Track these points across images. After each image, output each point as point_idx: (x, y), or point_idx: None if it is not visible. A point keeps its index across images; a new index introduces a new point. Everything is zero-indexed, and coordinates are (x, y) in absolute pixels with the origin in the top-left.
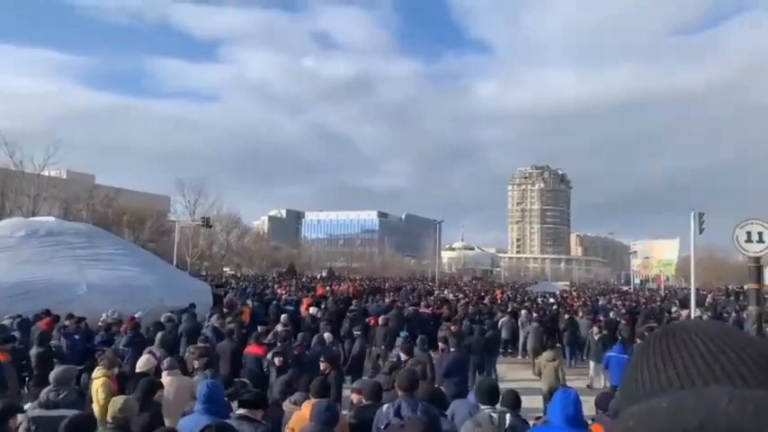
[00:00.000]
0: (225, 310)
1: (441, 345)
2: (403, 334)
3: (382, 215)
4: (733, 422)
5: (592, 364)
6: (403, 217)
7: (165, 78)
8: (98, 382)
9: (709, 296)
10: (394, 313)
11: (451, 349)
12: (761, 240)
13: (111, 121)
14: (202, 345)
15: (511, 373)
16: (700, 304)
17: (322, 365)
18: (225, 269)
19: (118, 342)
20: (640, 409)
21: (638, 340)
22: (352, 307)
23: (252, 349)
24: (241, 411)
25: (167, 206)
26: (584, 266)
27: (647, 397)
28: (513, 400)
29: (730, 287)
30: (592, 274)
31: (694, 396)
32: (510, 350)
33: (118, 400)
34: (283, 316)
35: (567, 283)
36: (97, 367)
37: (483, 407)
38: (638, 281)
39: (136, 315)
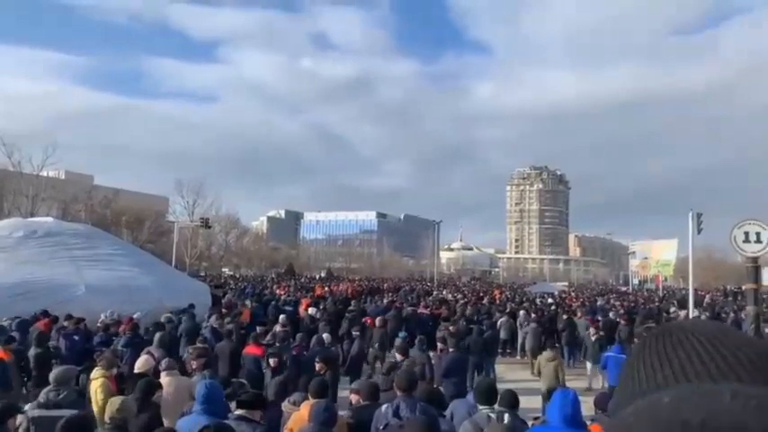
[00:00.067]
0: (224, 310)
1: (439, 345)
2: (402, 334)
3: (381, 216)
4: (735, 418)
5: (588, 364)
6: (401, 217)
7: (163, 79)
8: (97, 383)
9: (707, 296)
10: (392, 314)
11: (450, 350)
12: (759, 240)
13: (110, 122)
14: (201, 345)
15: (509, 373)
16: (698, 304)
17: (317, 366)
18: (224, 270)
19: (116, 343)
20: (642, 403)
21: (637, 341)
22: (350, 307)
23: (250, 350)
24: (239, 412)
25: (166, 207)
26: (583, 267)
27: (644, 396)
28: (512, 400)
29: (728, 287)
30: (590, 275)
31: (697, 391)
32: (508, 350)
33: (116, 401)
34: (282, 316)
35: (566, 283)
36: (96, 368)
37: (481, 407)
38: (636, 281)
39: (134, 316)
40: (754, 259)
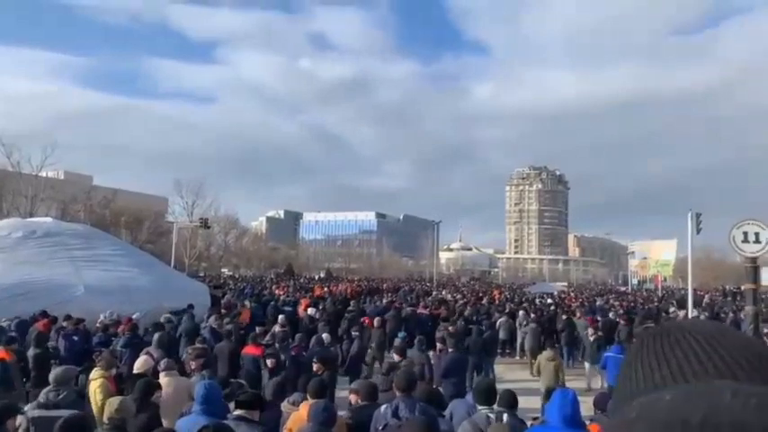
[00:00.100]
0: (223, 311)
1: (439, 345)
2: (401, 334)
3: (380, 216)
4: (735, 416)
5: (587, 365)
6: (401, 218)
7: (162, 79)
8: (96, 384)
9: (706, 296)
10: (392, 314)
11: (449, 350)
12: (757, 241)
13: (109, 122)
14: (200, 346)
15: (509, 373)
16: (697, 304)
17: (315, 366)
18: (223, 270)
19: (115, 343)
20: (644, 401)
21: (635, 340)
22: (350, 308)
23: (249, 350)
24: (238, 412)
25: (165, 207)
26: (582, 267)
27: (642, 395)
28: (511, 400)
29: (728, 287)
30: (589, 275)
31: (698, 389)
32: (508, 351)
33: (114, 401)
34: (281, 317)
35: (565, 283)
36: (95, 368)
37: (480, 407)
38: (635, 281)
39: (133, 316)
40: (753, 259)
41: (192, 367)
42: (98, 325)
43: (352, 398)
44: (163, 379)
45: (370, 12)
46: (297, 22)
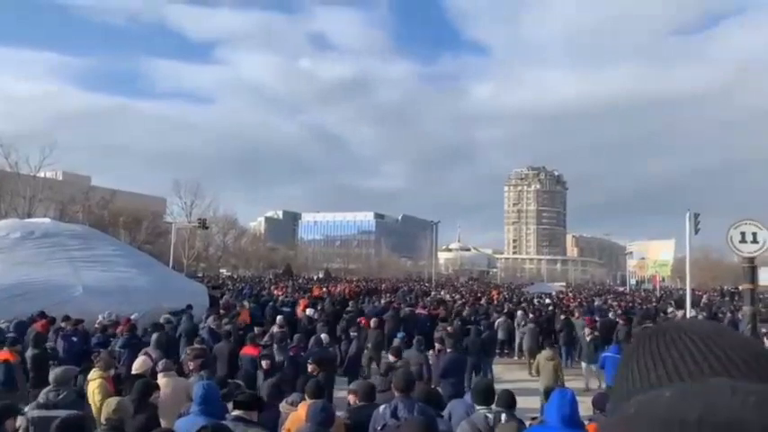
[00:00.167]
0: (221, 311)
1: (437, 345)
2: (400, 335)
3: (379, 216)
4: (733, 414)
5: (583, 364)
6: (399, 218)
7: (161, 79)
8: (94, 384)
9: (704, 297)
10: (390, 314)
11: (448, 350)
12: (755, 241)
13: (108, 123)
14: (198, 346)
15: (507, 373)
16: (695, 305)
17: (310, 367)
18: (221, 270)
19: (114, 344)
20: (643, 398)
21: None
22: (348, 308)
23: (247, 350)
24: (237, 413)
25: (163, 208)
26: (580, 267)
27: (638, 395)
28: (509, 401)
29: (725, 287)
30: (588, 275)
31: (697, 387)
32: (506, 351)
33: (112, 402)
34: (279, 317)
35: (563, 283)
36: (93, 369)
37: (479, 407)
38: (633, 281)
39: (132, 317)
40: (751, 259)
41: (191, 368)
42: (97, 325)
43: (351, 398)
44: (161, 380)
45: (369, 12)
46: (296, 22)
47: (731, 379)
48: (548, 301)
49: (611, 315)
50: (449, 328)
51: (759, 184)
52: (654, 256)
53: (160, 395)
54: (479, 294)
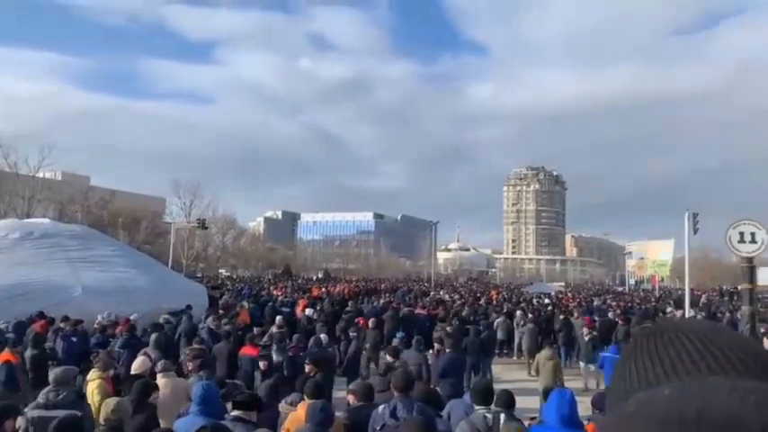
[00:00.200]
0: (221, 311)
1: (436, 345)
2: (399, 335)
3: (378, 216)
4: (732, 413)
5: (582, 364)
6: (399, 218)
7: (160, 80)
8: (93, 385)
9: (703, 296)
10: (390, 314)
11: (447, 350)
12: (753, 241)
13: (107, 123)
14: (197, 346)
15: (506, 373)
16: (694, 304)
17: (307, 368)
18: (220, 271)
19: (113, 344)
20: (642, 395)
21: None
22: (347, 308)
23: (246, 351)
24: (236, 413)
25: (163, 208)
26: (580, 267)
27: (637, 394)
28: (508, 401)
29: (724, 287)
30: (587, 275)
31: (696, 385)
32: (505, 351)
33: (110, 402)
34: (278, 317)
35: (563, 283)
36: (92, 369)
37: (477, 407)
38: (632, 281)
39: (131, 317)
40: (749, 259)
41: (190, 368)
42: (96, 326)
43: (350, 398)
44: (160, 380)
45: (369, 12)
46: (296, 22)
47: (728, 378)
48: (547, 301)
49: (610, 315)
50: (448, 329)
51: (759, 184)
52: (653, 256)
53: (159, 395)
54: (478, 294)
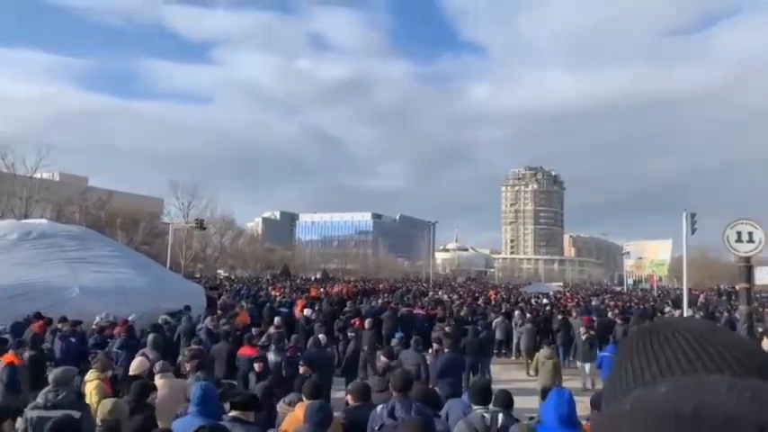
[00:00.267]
0: (219, 311)
1: (435, 345)
2: (398, 335)
3: (376, 216)
4: (729, 410)
5: (579, 364)
6: (397, 218)
7: (159, 80)
8: (91, 385)
9: (701, 296)
10: (388, 314)
11: (446, 350)
12: (751, 240)
13: (106, 123)
14: (195, 347)
15: (505, 373)
16: (692, 304)
17: (301, 369)
18: (219, 271)
19: (111, 345)
20: (639, 393)
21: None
22: (346, 308)
23: (245, 351)
24: (234, 413)
25: (161, 208)
26: (578, 267)
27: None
28: (506, 400)
29: (722, 287)
30: (585, 275)
31: (693, 383)
32: (504, 351)
33: (107, 403)
34: (277, 318)
35: (561, 283)
36: (90, 370)
37: (476, 407)
38: (631, 281)
39: (129, 318)
40: (747, 259)
41: (187, 368)
42: (94, 326)
43: (349, 398)
44: (158, 381)
45: (367, 12)
46: (294, 22)
47: (724, 376)
48: (545, 301)
49: (609, 315)
50: (446, 329)
51: (759, 184)
52: (651, 256)
53: (157, 396)
54: (477, 294)
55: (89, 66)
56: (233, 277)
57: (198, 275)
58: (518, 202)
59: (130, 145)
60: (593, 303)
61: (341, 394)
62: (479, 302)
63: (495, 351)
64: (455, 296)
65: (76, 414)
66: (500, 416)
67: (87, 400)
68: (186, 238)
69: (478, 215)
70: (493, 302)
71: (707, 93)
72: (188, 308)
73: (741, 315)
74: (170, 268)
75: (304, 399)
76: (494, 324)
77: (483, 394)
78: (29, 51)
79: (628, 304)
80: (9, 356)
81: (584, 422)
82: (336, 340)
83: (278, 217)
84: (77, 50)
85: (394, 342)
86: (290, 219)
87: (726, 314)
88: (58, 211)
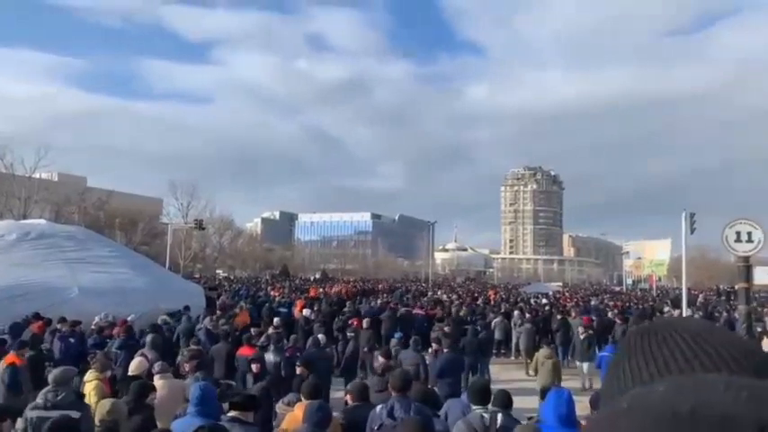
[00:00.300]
0: (218, 312)
1: (434, 345)
2: (397, 335)
3: (375, 217)
4: (726, 409)
5: (578, 363)
6: (396, 218)
7: (158, 80)
8: (90, 386)
9: (700, 296)
10: (387, 315)
11: (445, 350)
12: (750, 240)
13: (104, 124)
14: (194, 347)
15: (504, 373)
16: (691, 304)
17: (298, 370)
18: (218, 271)
19: (110, 345)
20: (637, 391)
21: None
22: (345, 309)
23: (244, 351)
24: (233, 413)
25: (160, 208)
26: (577, 267)
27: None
28: (505, 400)
29: (721, 287)
30: (584, 275)
31: (690, 382)
32: (503, 351)
33: (106, 403)
34: (276, 318)
35: (560, 283)
36: (89, 370)
37: (475, 407)
38: (630, 281)
39: (128, 318)
40: (746, 258)
41: (186, 369)
42: (93, 327)
43: (348, 398)
44: (157, 381)
45: (366, 13)
46: (293, 22)
47: (722, 375)
48: (544, 301)
49: (609, 315)
50: (445, 329)
51: (758, 184)
52: (650, 256)
53: (156, 396)
54: (476, 294)
55: (89, 66)
56: (232, 277)
57: (197, 276)
58: (517, 202)
59: (130, 145)
60: (593, 303)
61: (340, 394)
62: (478, 302)
63: (494, 351)
64: (454, 296)
65: (76, 414)
66: (499, 416)
67: (86, 401)
68: (185, 239)
69: (478, 215)
70: (492, 302)
71: (707, 93)
72: (187, 308)
73: (740, 315)
74: (169, 268)
75: (303, 399)
76: (493, 324)
77: (482, 394)
78: (28, 51)
79: (627, 304)
80: (11, 357)
81: (583, 422)
82: (335, 340)
83: (277, 217)
84: (77, 50)
85: (393, 342)
86: (289, 219)
87: (725, 314)
88: (57, 212)
